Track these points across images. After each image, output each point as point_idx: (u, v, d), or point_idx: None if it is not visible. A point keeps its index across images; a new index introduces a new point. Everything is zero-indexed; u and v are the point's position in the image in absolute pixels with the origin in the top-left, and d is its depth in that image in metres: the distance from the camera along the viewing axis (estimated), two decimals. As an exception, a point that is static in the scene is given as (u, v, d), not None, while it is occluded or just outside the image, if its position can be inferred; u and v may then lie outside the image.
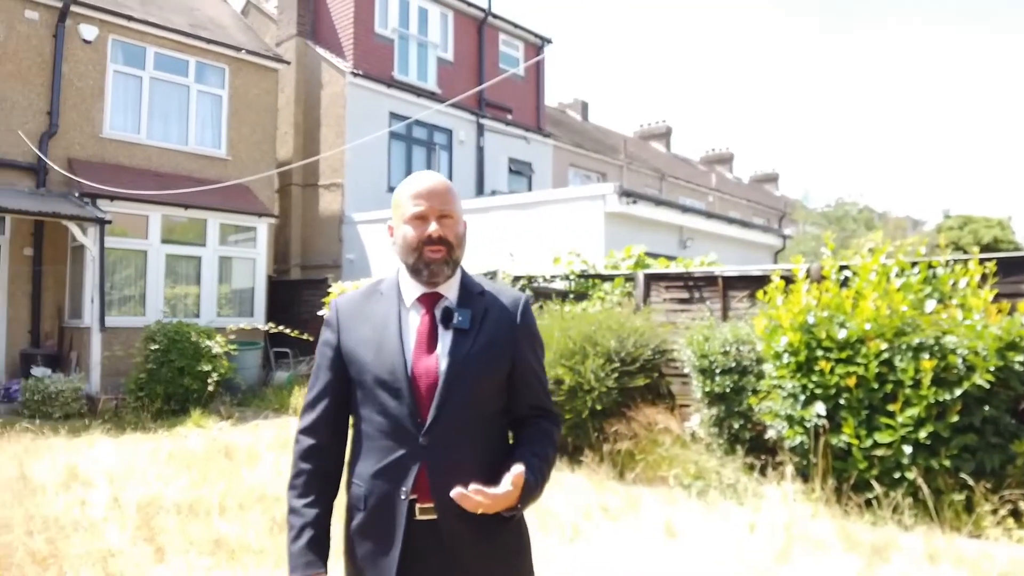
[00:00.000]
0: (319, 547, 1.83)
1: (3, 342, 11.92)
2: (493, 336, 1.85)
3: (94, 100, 12.77)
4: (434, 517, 1.74)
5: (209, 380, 10.58)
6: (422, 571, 1.76)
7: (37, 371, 10.93)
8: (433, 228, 1.80)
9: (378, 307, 1.89)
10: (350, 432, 1.95)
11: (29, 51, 12.05)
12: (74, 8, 12.32)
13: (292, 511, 1.86)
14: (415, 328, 1.84)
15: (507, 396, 1.91)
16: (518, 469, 1.67)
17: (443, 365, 1.78)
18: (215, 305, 13.20)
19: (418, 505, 1.75)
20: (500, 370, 1.85)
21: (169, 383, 10.40)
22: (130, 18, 12.99)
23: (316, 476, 1.88)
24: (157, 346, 10.52)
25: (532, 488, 1.75)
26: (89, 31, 12.60)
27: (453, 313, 1.83)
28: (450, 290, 1.88)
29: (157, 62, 13.62)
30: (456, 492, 1.64)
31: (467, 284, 1.92)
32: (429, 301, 1.86)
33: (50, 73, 12.22)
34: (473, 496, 1.63)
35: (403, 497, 1.74)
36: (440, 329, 1.83)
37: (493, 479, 1.72)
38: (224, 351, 10.95)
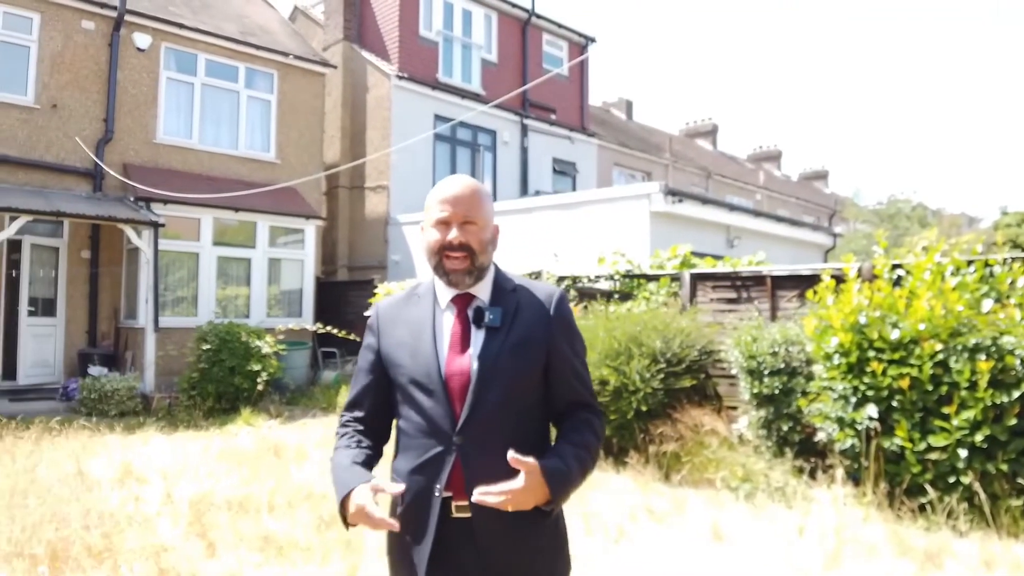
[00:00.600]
0: (365, 467, 1.86)
1: (62, 342, 12.33)
2: (525, 332, 1.85)
3: (148, 106, 13.12)
4: (468, 515, 1.76)
5: (259, 379, 10.78)
6: (454, 567, 1.79)
7: (94, 370, 11.26)
8: (453, 235, 1.82)
9: (415, 310, 1.93)
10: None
11: (86, 60, 12.42)
12: (128, 17, 12.68)
13: (338, 451, 1.93)
14: (449, 329, 1.87)
15: (544, 391, 1.90)
16: (531, 462, 1.66)
17: (475, 364, 1.80)
18: (265, 306, 13.45)
19: (454, 503, 1.77)
20: (533, 365, 1.85)
21: (220, 382, 10.62)
22: (182, 26, 13.32)
23: (362, 435, 1.95)
24: (209, 346, 10.75)
25: (566, 477, 1.74)
26: (143, 39, 12.95)
27: (484, 312, 1.85)
28: (483, 290, 1.90)
29: (208, 68, 13.95)
30: (477, 496, 1.65)
31: (500, 281, 1.93)
32: (462, 302, 1.89)
33: (106, 81, 12.59)
34: (495, 496, 1.64)
35: (437, 494, 1.78)
36: (473, 329, 1.85)
37: (544, 517, 1.79)
38: (273, 351, 11.15)
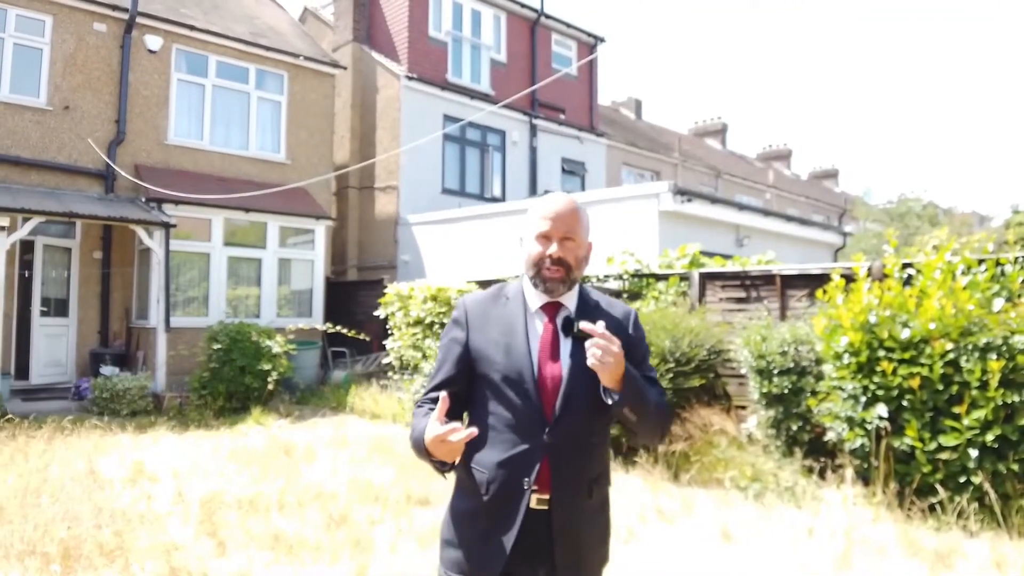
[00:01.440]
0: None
1: (74, 341, 12.42)
2: None
3: (159, 108, 13.20)
4: (545, 508, 1.90)
5: (269, 379, 10.83)
6: (528, 554, 1.92)
7: (106, 370, 11.34)
8: (553, 249, 1.98)
9: (505, 311, 2.06)
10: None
11: (98, 62, 12.51)
12: (140, 19, 12.76)
13: (413, 426, 2.00)
14: (539, 334, 2.02)
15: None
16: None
17: (566, 370, 1.95)
18: (275, 306, 13.50)
19: (535, 496, 1.91)
20: None
21: (231, 382, 10.67)
22: (193, 28, 13.39)
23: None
24: (219, 346, 10.81)
25: (637, 379, 1.91)
26: (154, 41, 13.03)
27: (573, 323, 1.97)
28: (570, 301, 2.06)
29: (219, 70, 14.02)
30: (584, 325, 1.82)
31: (584, 296, 2.11)
32: (551, 310, 2.04)
33: (117, 83, 12.68)
34: (600, 333, 1.81)
35: (525, 487, 1.90)
36: (561, 337, 2.00)
37: (599, 480, 2.01)
38: (283, 351, 11.20)
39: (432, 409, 1.99)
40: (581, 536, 1.97)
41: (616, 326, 2.02)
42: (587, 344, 1.82)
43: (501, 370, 1.97)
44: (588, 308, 2.07)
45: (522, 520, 1.90)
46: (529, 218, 2.06)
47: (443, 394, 1.87)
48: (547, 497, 1.91)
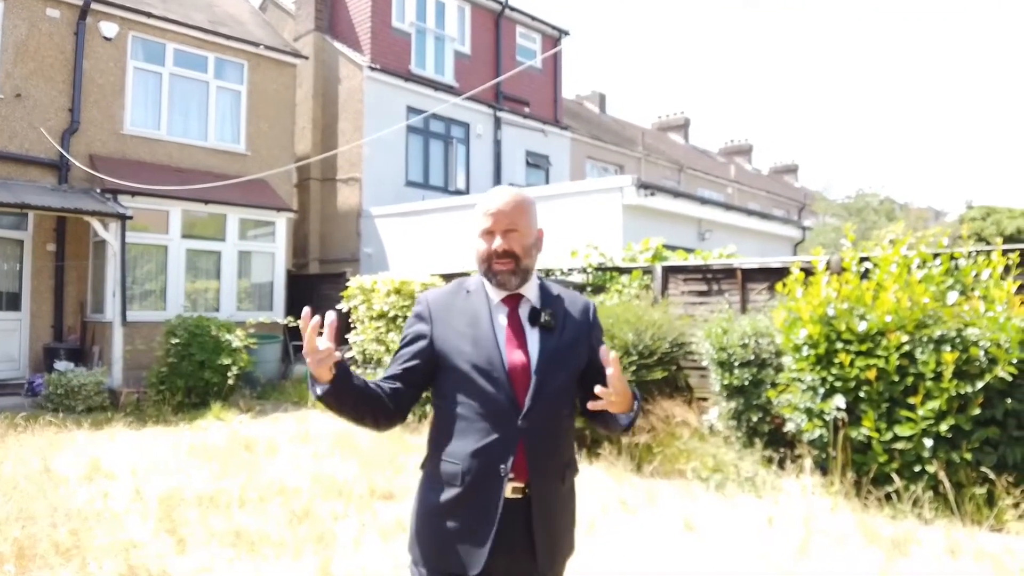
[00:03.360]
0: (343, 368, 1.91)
1: (27, 336, 12.10)
2: (574, 333, 2.09)
3: (115, 97, 12.90)
4: (520, 496, 1.94)
5: (229, 374, 10.67)
6: (506, 544, 1.93)
7: (60, 365, 11.08)
8: (498, 244, 2.01)
9: (468, 304, 2.09)
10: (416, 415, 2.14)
11: (51, 49, 12.17)
12: (95, 6, 12.44)
13: None
14: (504, 325, 2.05)
15: (583, 388, 2.09)
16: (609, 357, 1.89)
17: (536, 357, 2.01)
18: (235, 299, 13.32)
19: (511, 484, 1.94)
20: (580, 363, 2.09)
21: (190, 377, 10.49)
22: (150, 15, 13.09)
23: (379, 385, 2.03)
24: (178, 340, 10.61)
25: (636, 398, 2.03)
26: (109, 28, 12.72)
27: (540, 313, 2.06)
28: (530, 291, 2.11)
29: (177, 58, 13.74)
30: (610, 357, 1.87)
31: (545, 288, 2.16)
32: (512, 302, 2.09)
33: (71, 70, 12.35)
34: (616, 384, 1.86)
35: (502, 474, 1.93)
36: (527, 327, 2.06)
37: (571, 465, 2.11)
38: (244, 345, 11.03)
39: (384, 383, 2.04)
40: (556, 522, 2.02)
41: (579, 315, 2.14)
42: (599, 392, 1.86)
43: (470, 359, 1.99)
44: (550, 299, 2.12)
45: (501, 510, 1.92)
46: (474, 216, 2.09)
47: (331, 317, 1.85)
48: (523, 485, 1.94)
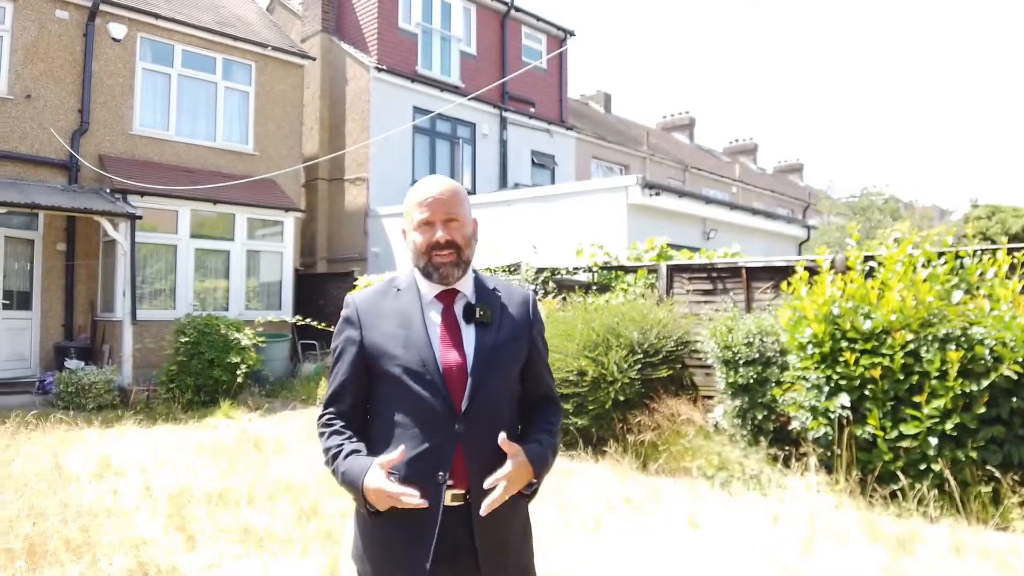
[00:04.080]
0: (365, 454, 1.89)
1: (38, 335, 12.19)
2: (513, 329, 1.98)
3: (124, 97, 12.98)
4: (461, 503, 1.84)
5: (238, 372, 10.74)
6: (450, 554, 1.84)
7: (71, 363, 11.16)
8: (440, 234, 1.90)
9: (398, 304, 1.97)
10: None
11: (60, 50, 12.27)
12: (103, 7, 12.52)
13: (333, 447, 1.92)
14: (437, 323, 1.93)
15: (520, 384, 2.03)
16: (516, 447, 1.83)
17: (472, 356, 1.89)
18: (243, 298, 13.39)
19: (450, 492, 1.84)
20: (519, 360, 1.99)
21: (199, 375, 10.57)
22: (158, 16, 13.17)
23: (345, 427, 1.96)
24: (187, 338, 10.69)
25: (545, 460, 1.92)
26: (118, 30, 12.80)
27: (475, 309, 1.94)
28: (466, 287, 1.99)
29: (185, 59, 13.82)
30: (489, 483, 1.78)
31: (481, 282, 2.04)
32: (447, 298, 1.97)
33: (81, 71, 12.44)
34: (504, 481, 1.78)
35: (441, 480, 1.83)
36: (462, 324, 1.94)
37: (526, 499, 1.96)
38: (252, 343, 11.10)
39: (343, 429, 1.94)
40: (503, 530, 1.90)
41: (518, 309, 2.03)
42: (487, 485, 1.78)
43: (401, 363, 1.87)
44: (486, 293, 2.01)
45: (441, 519, 1.82)
46: (406, 209, 1.97)
47: (401, 449, 1.79)
48: (463, 491, 1.84)
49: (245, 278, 13.49)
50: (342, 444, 1.90)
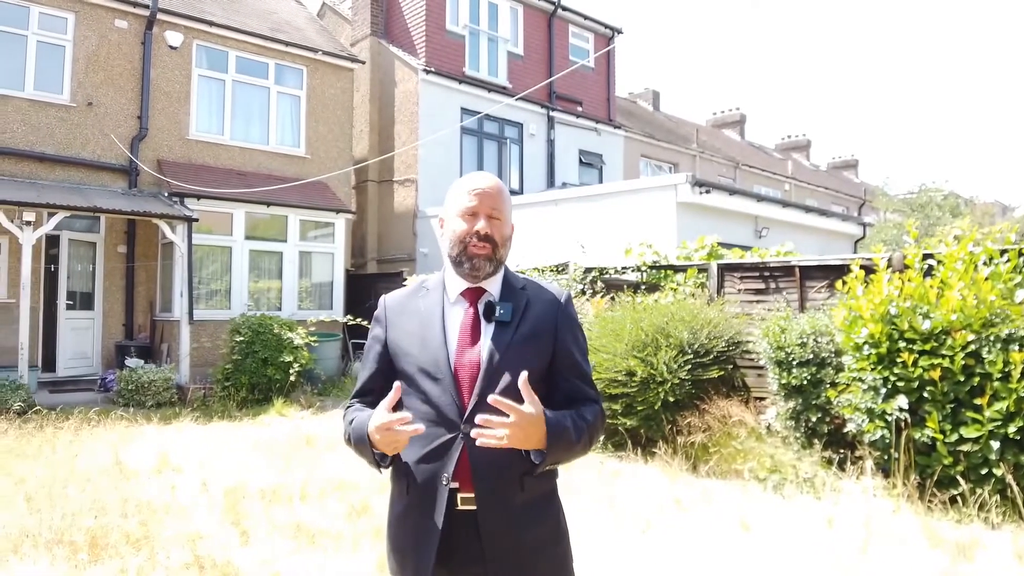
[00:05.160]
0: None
1: (99, 334, 12.61)
2: (534, 327, 1.89)
3: (181, 103, 13.33)
4: (474, 508, 1.77)
5: (291, 371, 10.93)
6: (460, 559, 1.79)
7: (131, 362, 11.50)
8: (481, 225, 1.87)
9: (423, 302, 1.96)
10: None
11: (120, 58, 12.66)
12: (160, 16, 12.89)
13: (349, 418, 1.95)
14: (459, 322, 1.89)
15: (548, 387, 1.91)
16: (533, 395, 1.70)
17: (484, 354, 1.83)
18: (296, 298, 13.62)
19: (459, 495, 1.78)
20: (541, 360, 1.88)
21: (253, 373, 10.79)
22: (212, 23, 13.50)
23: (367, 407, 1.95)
24: (242, 338, 10.92)
25: (564, 432, 1.76)
26: (175, 37, 13.15)
27: (495, 306, 1.89)
28: (493, 285, 1.94)
29: (239, 65, 14.14)
30: (480, 420, 1.67)
31: (509, 279, 1.98)
32: (473, 296, 1.92)
33: (139, 79, 12.82)
34: (497, 425, 1.65)
35: (444, 483, 1.78)
36: (483, 322, 1.89)
37: (534, 470, 1.79)
38: (305, 343, 11.30)
39: (362, 409, 1.94)
40: (518, 538, 1.80)
41: (546, 305, 1.94)
42: (479, 420, 1.68)
43: (416, 362, 1.86)
44: (513, 291, 1.95)
45: (450, 522, 1.77)
46: (452, 196, 1.96)
47: (396, 384, 1.79)
48: (472, 496, 1.77)
49: (297, 279, 13.73)
50: (355, 415, 1.93)
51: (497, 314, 1.88)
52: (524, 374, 1.70)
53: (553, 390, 1.92)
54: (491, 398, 1.66)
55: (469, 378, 1.82)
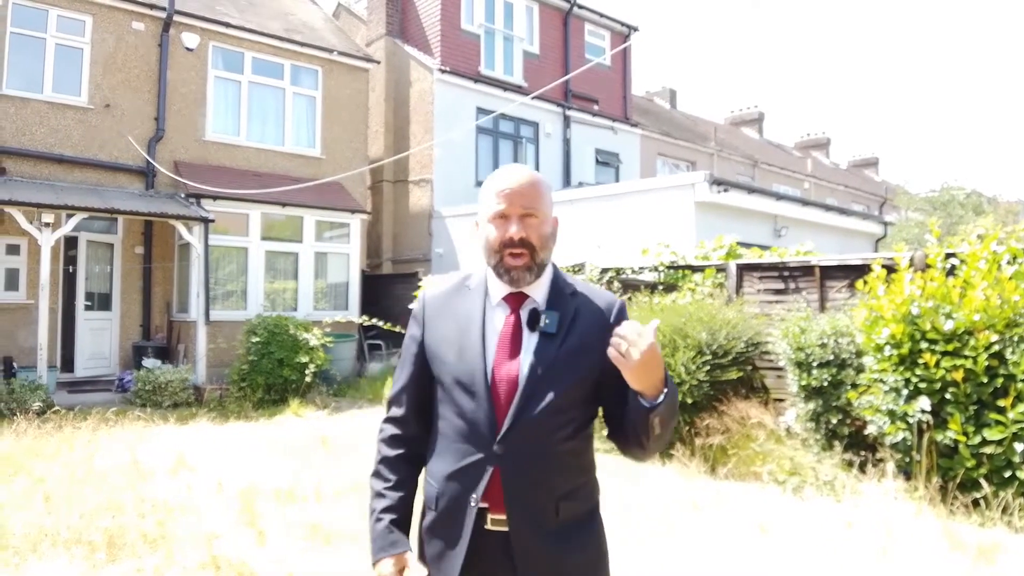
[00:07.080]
0: (402, 528, 1.80)
1: (117, 335, 12.70)
2: (582, 340, 1.72)
3: (197, 105, 13.40)
4: (505, 529, 1.66)
5: (307, 371, 10.96)
6: None
7: (148, 362, 11.57)
8: (514, 230, 1.69)
9: (464, 303, 1.80)
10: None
11: (137, 60, 12.74)
12: (177, 18, 12.96)
13: (375, 495, 1.85)
14: (499, 329, 1.74)
15: (595, 405, 1.78)
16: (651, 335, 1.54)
17: (524, 370, 1.68)
18: (311, 299, 13.65)
19: (490, 515, 1.67)
20: (587, 376, 1.71)
21: (269, 374, 10.82)
22: (228, 25, 13.56)
23: (400, 461, 1.85)
24: (258, 338, 10.96)
25: (674, 386, 1.63)
26: (191, 39, 13.22)
27: (540, 315, 1.72)
28: (538, 290, 1.77)
29: (255, 66, 14.19)
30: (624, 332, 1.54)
31: (558, 283, 1.80)
32: (515, 301, 1.76)
33: (156, 80, 12.90)
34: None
35: (472, 504, 1.67)
36: (525, 332, 1.73)
37: (572, 496, 1.71)
38: (320, 343, 11.32)
39: (396, 457, 1.85)
40: (560, 561, 1.67)
41: (596, 316, 1.75)
42: (615, 336, 1.54)
43: (452, 372, 1.72)
44: (561, 297, 1.77)
45: (477, 542, 1.66)
46: (482, 197, 1.76)
47: (402, 556, 1.74)
48: (504, 517, 1.65)
49: (313, 279, 13.76)
50: (383, 494, 1.83)
51: (542, 324, 1.71)
52: (655, 322, 1.57)
53: (609, 405, 1.76)
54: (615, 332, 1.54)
55: (507, 394, 1.68)
